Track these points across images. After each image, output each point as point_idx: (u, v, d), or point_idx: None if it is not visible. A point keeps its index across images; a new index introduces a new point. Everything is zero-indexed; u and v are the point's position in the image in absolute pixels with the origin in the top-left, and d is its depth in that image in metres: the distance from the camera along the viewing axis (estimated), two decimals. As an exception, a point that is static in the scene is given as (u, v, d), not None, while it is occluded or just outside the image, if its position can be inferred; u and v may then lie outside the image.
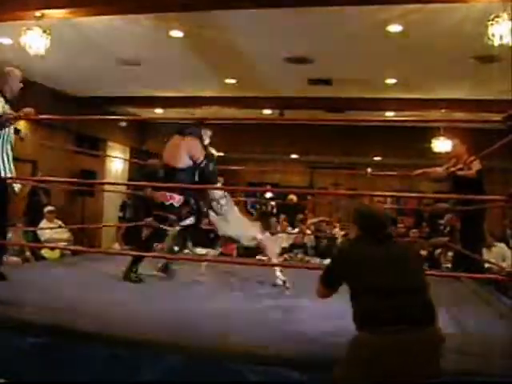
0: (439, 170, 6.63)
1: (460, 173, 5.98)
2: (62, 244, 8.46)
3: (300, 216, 11.66)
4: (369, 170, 12.72)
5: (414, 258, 2.92)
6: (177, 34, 7.59)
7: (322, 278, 2.96)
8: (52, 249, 8.28)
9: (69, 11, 6.44)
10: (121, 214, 12.71)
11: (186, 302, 4.35)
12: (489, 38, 5.53)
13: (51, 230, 8.52)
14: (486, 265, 6.40)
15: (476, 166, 5.90)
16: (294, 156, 14.79)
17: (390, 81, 9.53)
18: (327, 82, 9.75)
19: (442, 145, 10.86)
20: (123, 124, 13.42)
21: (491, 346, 3.10)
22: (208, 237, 10.07)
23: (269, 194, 15.96)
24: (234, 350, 3.09)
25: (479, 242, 6.17)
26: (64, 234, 8.93)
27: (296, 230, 10.57)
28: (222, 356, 3.03)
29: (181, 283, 5.30)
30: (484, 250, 7.09)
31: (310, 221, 11.25)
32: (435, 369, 2.56)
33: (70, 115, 7.73)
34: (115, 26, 7.29)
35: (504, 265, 7.10)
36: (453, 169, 6.23)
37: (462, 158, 6.24)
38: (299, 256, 9.31)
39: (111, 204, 13.01)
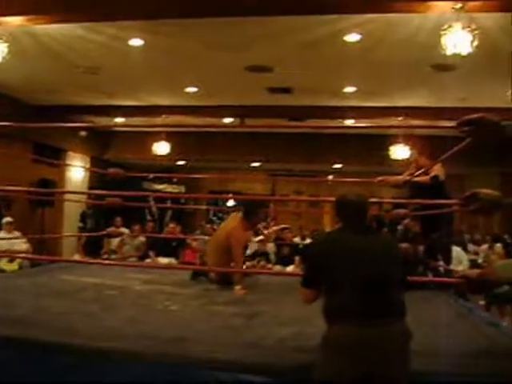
0: (400, 178, 6.68)
1: (415, 179, 6.05)
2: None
3: (262, 224, 11.68)
4: (330, 177, 12.90)
5: (392, 251, 2.86)
6: (137, 42, 7.57)
7: (302, 280, 2.91)
8: (11, 260, 8.11)
9: (26, 19, 6.35)
10: (81, 224, 12.57)
11: (146, 310, 4.32)
12: (442, 48, 5.66)
13: (9, 241, 8.35)
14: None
15: (434, 171, 5.95)
16: (255, 164, 14.85)
17: (349, 89, 9.67)
18: (287, 90, 9.85)
19: (400, 152, 11.07)
20: (83, 133, 13.28)
21: (442, 345, 3.17)
22: (170, 245, 10.09)
23: (231, 202, 15.97)
24: (196, 357, 3.08)
25: (442, 246, 6.19)
26: (23, 245, 8.77)
27: (258, 238, 10.60)
28: (184, 363, 3.03)
29: (141, 292, 5.26)
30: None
31: (271, 229, 11.30)
32: (402, 366, 2.56)
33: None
34: (75, 35, 7.24)
35: (460, 268, 7.25)
36: (408, 177, 6.29)
37: (423, 165, 6.23)
38: (261, 263, 9.35)
39: (71, 214, 12.84)
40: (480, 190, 3.21)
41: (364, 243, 2.77)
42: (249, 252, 9.56)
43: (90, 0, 6.09)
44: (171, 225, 11.53)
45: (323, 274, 2.74)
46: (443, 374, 2.88)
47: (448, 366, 2.94)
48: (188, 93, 10.33)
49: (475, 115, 3.17)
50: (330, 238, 3.00)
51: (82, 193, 12.49)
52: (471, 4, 5.44)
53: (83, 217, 12.63)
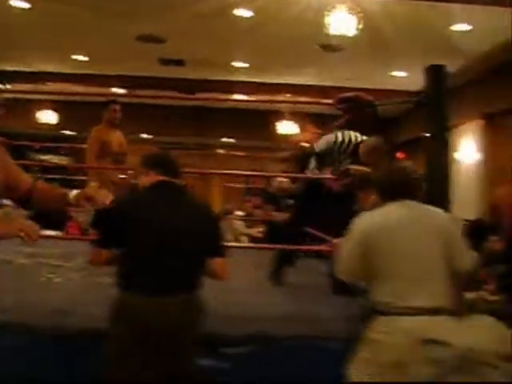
0: None
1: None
2: None
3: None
4: (220, 151, 13.03)
5: (204, 220, 2.63)
6: (23, 4, 7.26)
7: (98, 238, 2.66)
8: None
9: None
10: None
11: (29, 283, 4.23)
12: (326, 28, 5.84)
13: None
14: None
15: None
16: (144, 136, 14.63)
17: (239, 64, 9.79)
18: (179, 62, 9.80)
19: (286, 127, 11.46)
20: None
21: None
22: (54, 219, 9.81)
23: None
24: (76, 328, 3.09)
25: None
26: None
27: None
28: (64, 335, 3.05)
29: (24, 265, 5.11)
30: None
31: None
32: (188, 337, 2.51)
33: None
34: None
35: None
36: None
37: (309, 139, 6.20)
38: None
39: None
40: (352, 166, 3.43)
41: (169, 208, 2.57)
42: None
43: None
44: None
45: (120, 236, 2.54)
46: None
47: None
48: (76, 60, 10.01)
49: (350, 93, 3.36)
50: (136, 198, 2.79)
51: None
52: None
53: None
